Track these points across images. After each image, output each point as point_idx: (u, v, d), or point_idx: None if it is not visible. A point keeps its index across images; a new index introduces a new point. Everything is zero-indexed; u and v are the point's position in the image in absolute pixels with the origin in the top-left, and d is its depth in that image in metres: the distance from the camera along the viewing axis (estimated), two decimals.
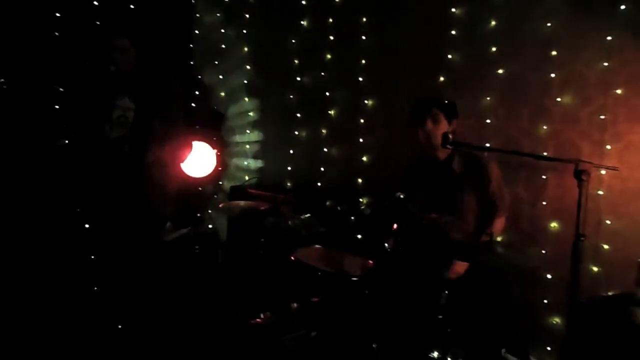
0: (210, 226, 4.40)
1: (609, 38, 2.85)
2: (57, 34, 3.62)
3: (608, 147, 2.88)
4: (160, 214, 3.22)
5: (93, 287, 3.27)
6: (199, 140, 4.09)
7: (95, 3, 3.73)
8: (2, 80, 3.36)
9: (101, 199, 3.14)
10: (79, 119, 3.56)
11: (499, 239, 2.92)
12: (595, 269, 2.90)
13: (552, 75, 3.02)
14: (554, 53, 3.01)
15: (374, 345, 2.40)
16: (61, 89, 3.46)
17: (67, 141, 3.63)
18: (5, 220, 3.35)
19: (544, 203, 3.07)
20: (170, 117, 3.06)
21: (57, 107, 3.65)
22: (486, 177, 2.77)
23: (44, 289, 3.30)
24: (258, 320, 2.40)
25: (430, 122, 2.76)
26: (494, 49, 3.20)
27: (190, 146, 3.29)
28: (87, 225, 3.53)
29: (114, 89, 3.07)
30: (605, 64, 2.86)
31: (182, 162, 3.21)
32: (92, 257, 3.40)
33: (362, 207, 2.60)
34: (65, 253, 3.51)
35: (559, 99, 3.01)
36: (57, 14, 3.62)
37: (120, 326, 3.05)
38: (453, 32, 3.35)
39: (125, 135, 2.98)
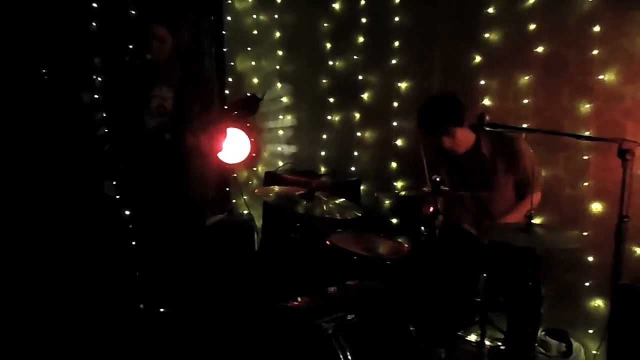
0: (245, 212, 4.46)
1: None
2: (94, 24, 3.69)
3: None
4: (202, 200, 3.28)
5: (135, 274, 3.36)
6: (233, 126, 4.13)
7: None
8: (44, 71, 3.45)
9: (142, 188, 3.21)
10: (118, 110, 3.64)
11: (538, 220, 2.87)
12: (638, 250, 2.82)
13: (594, 52, 2.92)
14: (596, 29, 2.91)
15: (411, 328, 2.40)
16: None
17: (106, 130, 3.72)
18: (44, 209, 3.45)
19: (586, 184, 3.00)
20: (207, 104, 3.09)
21: (96, 97, 3.73)
22: (516, 155, 2.75)
23: (83, 275, 3.41)
24: (295, 303, 2.43)
25: (447, 138, 2.74)
26: (532, 26, 3.11)
27: (226, 133, 3.31)
28: (127, 213, 3.63)
29: (151, 79, 3.12)
30: None
31: (219, 148, 3.24)
32: (134, 243, 3.50)
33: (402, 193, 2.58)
34: (106, 240, 3.62)
35: (601, 77, 2.92)
36: (94, 4, 3.69)
37: (162, 309, 3.14)
38: (490, 10, 3.27)
39: (165, 124, 3.03)
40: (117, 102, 3.62)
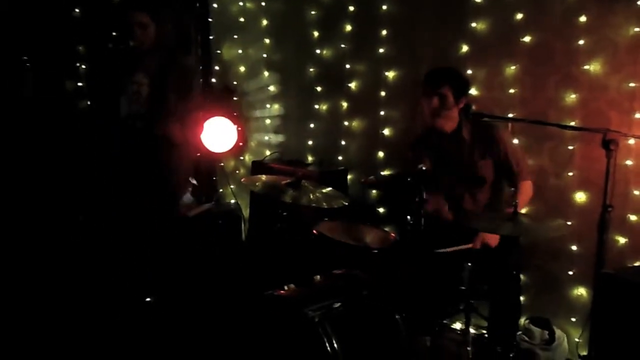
0: (232, 201, 4.44)
1: (639, 2, 2.74)
2: (77, 10, 3.63)
3: (637, 115, 2.80)
4: (174, 189, 3.24)
5: (109, 265, 3.32)
6: (219, 115, 4.10)
7: None
8: (26, 58, 3.40)
9: (114, 176, 3.18)
10: (96, 95, 3.59)
11: (524, 210, 2.90)
12: (621, 240, 2.86)
13: (580, 42, 2.93)
14: (582, 19, 2.92)
15: (397, 317, 2.42)
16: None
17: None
18: (16, 199, 3.41)
19: (571, 174, 3.02)
20: (185, 93, 3.06)
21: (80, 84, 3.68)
22: (497, 141, 2.80)
23: (56, 272, 3.37)
24: (282, 291, 2.43)
25: (437, 100, 2.75)
26: (519, 16, 3.11)
27: (204, 123, 3.29)
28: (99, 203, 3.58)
29: (130, 65, 3.07)
30: (636, 29, 2.76)
31: (197, 138, 3.22)
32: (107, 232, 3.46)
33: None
34: (76, 230, 3.57)
35: (586, 67, 2.93)
36: None
37: (147, 299, 3.13)
38: (476, 0, 3.27)
39: (138, 111, 2.99)
40: (98, 88, 3.57)
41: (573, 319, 3.04)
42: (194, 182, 3.85)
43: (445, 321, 2.93)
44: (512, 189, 2.82)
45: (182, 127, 3.08)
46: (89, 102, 3.72)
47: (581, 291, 3.02)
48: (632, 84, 2.80)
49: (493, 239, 2.65)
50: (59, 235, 3.49)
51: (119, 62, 3.12)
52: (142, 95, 3.01)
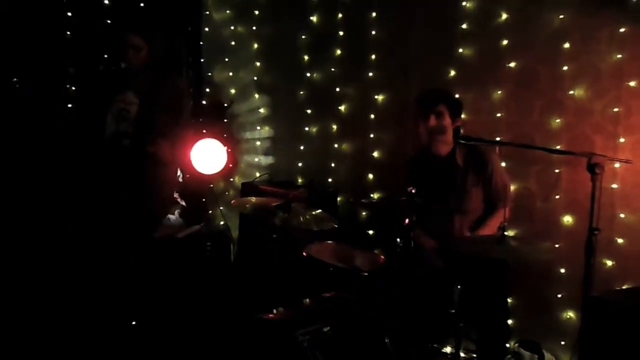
0: (222, 223, 4.43)
1: (621, 30, 2.82)
2: (68, 33, 3.65)
3: (622, 139, 2.85)
4: (157, 210, 3.22)
5: (91, 284, 3.27)
6: (209, 137, 4.11)
7: (106, 2, 3.75)
8: (15, 79, 3.40)
9: (96, 194, 3.16)
10: (82, 113, 3.58)
11: (512, 233, 2.91)
12: (609, 262, 2.88)
13: (565, 68, 3.00)
14: (566, 45, 2.99)
15: (386, 340, 2.40)
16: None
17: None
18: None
19: (557, 197, 3.05)
20: (175, 114, 3.07)
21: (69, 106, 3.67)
22: (489, 168, 2.83)
23: (39, 288, 3.31)
24: (271, 315, 2.41)
25: (434, 118, 2.78)
26: (505, 42, 3.18)
27: (193, 144, 3.29)
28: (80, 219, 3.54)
29: (117, 84, 3.08)
30: (619, 56, 2.83)
31: (184, 159, 3.21)
32: (87, 251, 3.41)
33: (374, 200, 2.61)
34: (59, 247, 3.52)
35: (571, 92, 2.99)
36: (69, 14, 3.65)
37: (132, 323, 3.08)
38: (464, 26, 3.33)
39: (126, 130, 3.00)
40: (85, 106, 3.57)
41: (562, 343, 3.04)
42: (183, 203, 3.84)
43: (435, 345, 2.91)
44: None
45: (171, 147, 3.08)
46: (73, 120, 3.70)
47: (570, 314, 3.03)
48: (615, 109, 2.86)
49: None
50: (45, 250, 3.44)
51: (108, 81, 3.13)
52: (131, 113, 3.01)
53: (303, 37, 4.13)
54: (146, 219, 3.17)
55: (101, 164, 3.11)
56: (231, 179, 4.60)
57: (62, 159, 3.64)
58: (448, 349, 3.00)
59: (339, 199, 3.97)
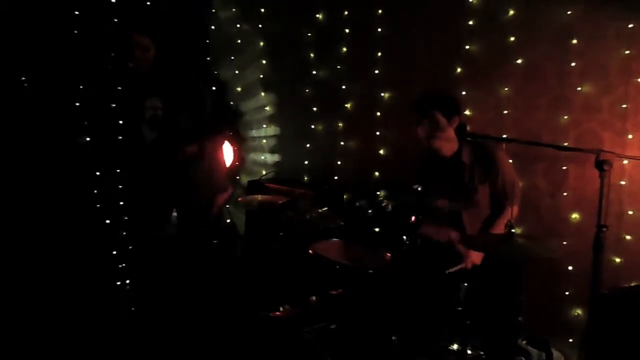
0: (228, 220, 4.44)
1: (630, 25, 2.80)
2: (75, 32, 3.65)
3: (630, 136, 2.83)
4: (209, 205, 3.26)
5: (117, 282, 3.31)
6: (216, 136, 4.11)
7: (113, 1, 3.75)
8: (23, 79, 3.41)
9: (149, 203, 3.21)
10: (112, 120, 3.60)
11: (518, 230, 2.90)
12: (617, 259, 2.86)
13: (572, 64, 2.98)
14: (574, 42, 2.97)
15: (393, 338, 2.40)
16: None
17: (87, 139, 3.68)
18: (29, 218, 3.40)
19: (565, 194, 3.04)
20: (200, 114, 3.09)
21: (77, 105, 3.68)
22: (496, 166, 2.77)
23: (64, 285, 3.35)
24: (277, 313, 2.42)
25: (428, 123, 2.76)
26: (512, 38, 3.16)
27: (224, 137, 3.35)
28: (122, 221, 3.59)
29: (142, 90, 3.10)
30: (627, 52, 2.81)
31: (221, 151, 3.26)
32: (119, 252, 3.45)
33: (383, 204, 2.60)
34: (90, 250, 3.57)
35: (579, 89, 2.97)
36: (76, 12, 3.65)
37: (137, 319, 3.10)
38: (470, 22, 3.32)
39: (158, 136, 3.02)
40: (113, 113, 3.59)
41: (570, 340, 3.03)
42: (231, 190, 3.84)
43: (442, 343, 2.91)
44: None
45: (207, 144, 3.12)
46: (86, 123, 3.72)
47: (578, 311, 3.01)
48: (624, 105, 2.84)
49: (478, 257, 2.64)
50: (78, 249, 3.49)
51: (128, 87, 3.15)
52: (159, 117, 3.03)
53: (309, 34, 4.13)
54: (204, 215, 3.22)
55: (149, 169, 3.16)
56: (237, 177, 4.61)
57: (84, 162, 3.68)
58: (455, 347, 3.00)
59: (345, 196, 3.97)
